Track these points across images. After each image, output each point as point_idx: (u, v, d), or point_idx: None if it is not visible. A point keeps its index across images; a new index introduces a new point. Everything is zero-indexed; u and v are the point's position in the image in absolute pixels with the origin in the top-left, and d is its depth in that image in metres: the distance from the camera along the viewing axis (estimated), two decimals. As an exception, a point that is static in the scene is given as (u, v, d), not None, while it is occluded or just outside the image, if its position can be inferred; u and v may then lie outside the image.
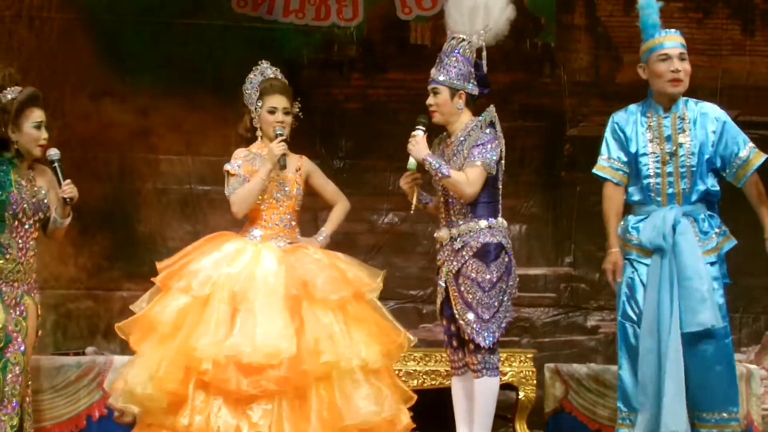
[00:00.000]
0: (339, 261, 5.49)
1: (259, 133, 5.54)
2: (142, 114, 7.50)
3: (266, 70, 5.62)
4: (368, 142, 7.51)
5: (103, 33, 7.47)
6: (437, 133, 5.60)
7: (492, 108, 5.44)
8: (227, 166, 5.46)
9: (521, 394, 6.46)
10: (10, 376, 5.20)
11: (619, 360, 5.46)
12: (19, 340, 5.21)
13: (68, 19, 7.46)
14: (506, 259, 5.39)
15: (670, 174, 5.38)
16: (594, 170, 5.60)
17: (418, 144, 5.40)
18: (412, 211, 5.67)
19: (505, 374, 6.29)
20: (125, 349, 7.07)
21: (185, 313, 5.21)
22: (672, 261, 5.29)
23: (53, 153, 5.33)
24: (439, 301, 5.51)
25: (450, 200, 5.46)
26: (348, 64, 7.58)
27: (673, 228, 5.30)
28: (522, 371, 6.41)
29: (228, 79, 7.47)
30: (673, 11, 7.57)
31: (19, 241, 5.24)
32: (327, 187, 5.72)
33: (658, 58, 5.42)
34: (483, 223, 5.39)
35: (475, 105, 5.53)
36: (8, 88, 5.23)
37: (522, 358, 6.48)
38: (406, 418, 5.26)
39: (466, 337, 5.37)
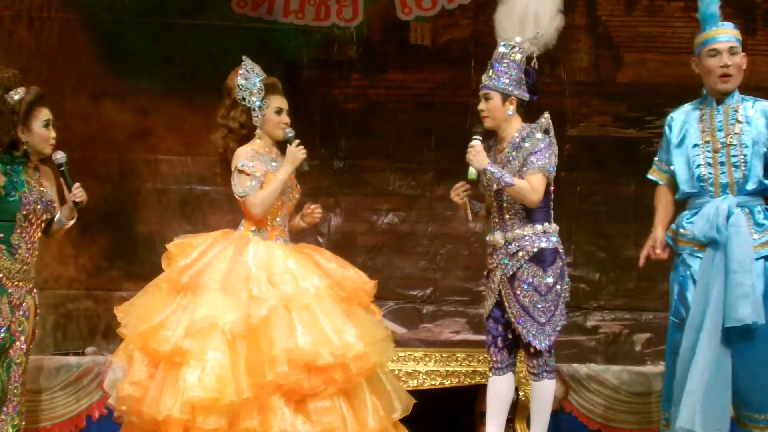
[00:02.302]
0: (346, 263, 5.57)
1: (259, 132, 5.54)
2: (142, 114, 7.49)
3: (256, 68, 5.61)
4: (368, 142, 7.51)
5: (103, 33, 7.47)
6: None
7: (547, 115, 5.57)
8: (241, 166, 5.41)
9: (521, 394, 6.45)
10: (13, 376, 5.21)
11: (666, 360, 5.44)
12: (22, 339, 5.24)
13: (68, 19, 7.45)
14: (560, 264, 5.51)
15: (722, 164, 5.29)
16: (647, 174, 5.63)
17: (478, 154, 5.46)
18: (470, 223, 5.75)
19: (505, 374, 6.29)
20: (125, 349, 7.08)
21: (249, 317, 5.13)
22: (723, 254, 5.18)
23: (60, 157, 5.35)
24: (489, 304, 5.58)
25: (505, 205, 5.52)
26: (348, 64, 7.57)
27: (727, 219, 5.20)
28: (522, 371, 6.40)
29: (228, 80, 7.49)
30: (674, 11, 7.57)
31: (27, 241, 5.27)
32: None
33: (708, 53, 5.33)
34: (538, 227, 5.50)
35: (526, 112, 5.63)
36: (14, 90, 5.24)
37: (522, 358, 6.46)
38: None
39: (523, 341, 5.48)
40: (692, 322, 5.20)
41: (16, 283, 5.24)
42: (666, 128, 5.53)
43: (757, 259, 5.19)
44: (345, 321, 5.20)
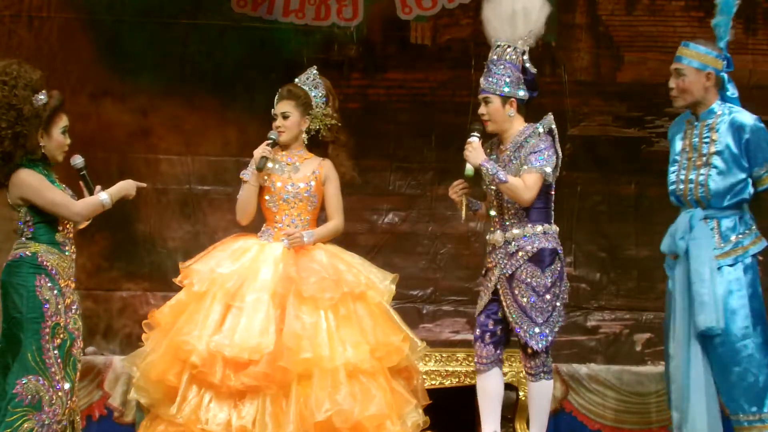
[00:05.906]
0: (340, 262, 5.57)
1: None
2: (142, 114, 7.48)
3: (307, 78, 5.82)
4: (368, 142, 7.49)
5: (103, 33, 7.46)
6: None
7: (550, 116, 5.58)
8: (240, 174, 5.70)
9: (521, 394, 6.45)
10: (78, 374, 5.20)
11: (665, 359, 5.51)
12: (78, 337, 5.20)
13: (68, 19, 7.44)
14: (559, 265, 5.52)
15: (691, 181, 5.36)
16: None
17: (475, 150, 5.48)
18: (462, 221, 5.76)
19: (505, 374, 6.27)
20: (125, 349, 7.09)
21: (183, 309, 5.37)
22: (685, 265, 5.29)
23: (79, 162, 5.34)
24: (484, 301, 5.59)
25: (505, 204, 5.51)
26: (348, 64, 7.55)
27: (690, 232, 5.28)
28: (522, 371, 6.40)
29: (228, 79, 7.48)
30: (674, 10, 7.56)
31: (69, 239, 5.25)
32: (332, 199, 5.77)
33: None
34: (538, 228, 5.50)
35: (527, 109, 5.63)
36: (39, 93, 5.18)
37: (519, 359, 6.46)
38: (396, 425, 5.29)
39: (520, 341, 5.49)
40: (675, 330, 5.31)
41: (67, 280, 5.22)
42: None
43: (720, 267, 5.27)
44: (269, 319, 5.24)
